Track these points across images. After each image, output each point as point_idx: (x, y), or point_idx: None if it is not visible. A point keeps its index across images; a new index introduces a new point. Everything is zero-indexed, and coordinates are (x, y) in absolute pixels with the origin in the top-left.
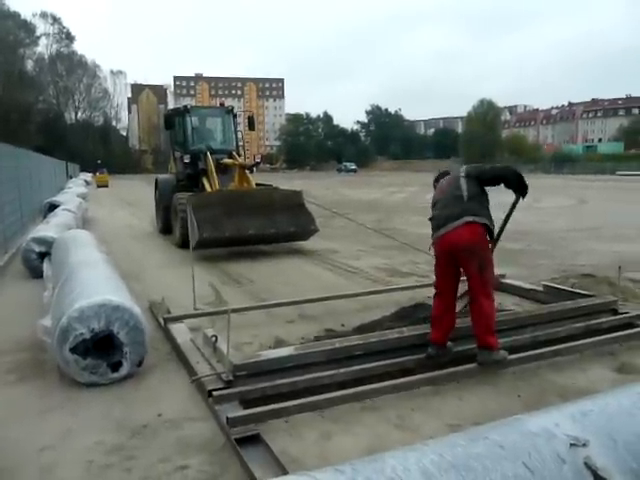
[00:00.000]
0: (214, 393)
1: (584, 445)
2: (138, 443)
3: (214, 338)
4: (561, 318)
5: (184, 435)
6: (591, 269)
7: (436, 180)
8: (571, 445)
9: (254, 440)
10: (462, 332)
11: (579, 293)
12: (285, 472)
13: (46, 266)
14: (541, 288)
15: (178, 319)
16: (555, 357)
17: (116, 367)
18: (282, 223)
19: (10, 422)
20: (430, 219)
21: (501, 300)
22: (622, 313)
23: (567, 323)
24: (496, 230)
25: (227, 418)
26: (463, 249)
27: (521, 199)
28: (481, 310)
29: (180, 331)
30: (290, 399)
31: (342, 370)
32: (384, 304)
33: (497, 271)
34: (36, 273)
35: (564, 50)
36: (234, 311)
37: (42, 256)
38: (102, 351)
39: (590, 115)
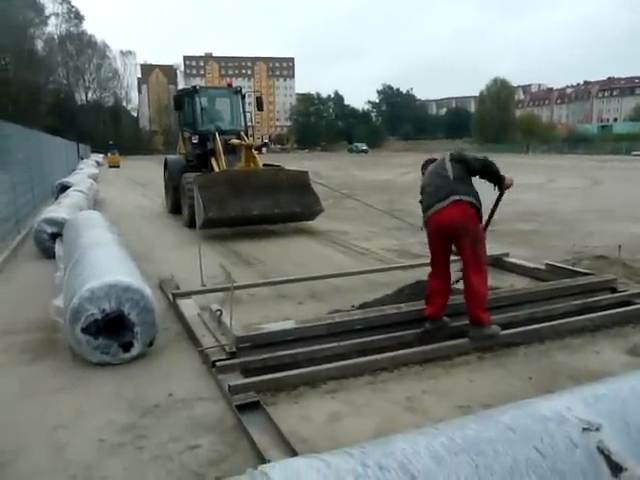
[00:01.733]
0: (217, 364)
1: (597, 429)
2: (149, 422)
3: (219, 312)
4: (559, 295)
5: (195, 415)
6: (605, 250)
7: (423, 167)
8: (584, 429)
9: (254, 407)
10: (459, 308)
11: (579, 271)
12: (281, 435)
13: (58, 247)
14: (543, 267)
15: (186, 295)
16: (552, 334)
17: (127, 347)
18: (287, 203)
19: (24, 401)
20: (420, 202)
21: (503, 278)
22: (621, 291)
23: (565, 300)
24: (485, 217)
25: (229, 386)
26: (454, 227)
27: (505, 193)
28: (473, 286)
29: (188, 306)
30: (290, 370)
31: (342, 343)
32: (393, 283)
33: (503, 250)
34: (48, 253)
35: (581, 28)
36: (237, 288)
37: (54, 237)
38: (113, 331)
39: (606, 94)
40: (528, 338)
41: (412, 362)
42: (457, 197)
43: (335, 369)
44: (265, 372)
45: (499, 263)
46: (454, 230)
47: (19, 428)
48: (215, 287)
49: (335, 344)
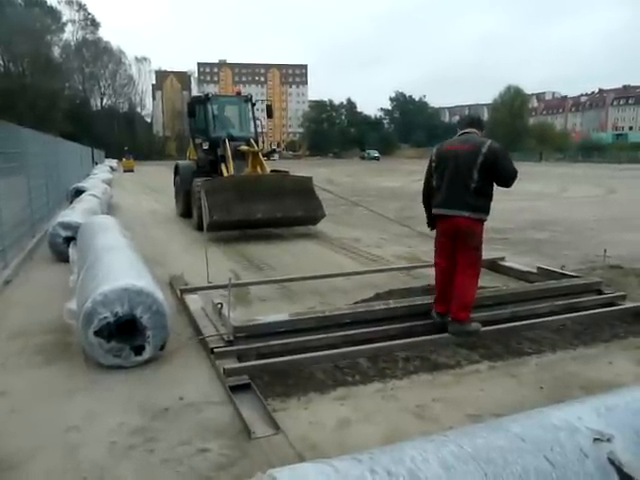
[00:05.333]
0: (215, 350)
1: (608, 440)
2: (160, 425)
3: (219, 305)
4: (545, 297)
5: (204, 418)
6: (619, 261)
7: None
8: (595, 440)
9: (246, 388)
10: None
11: (567, 274)
12: (268, 414)
13: (72, 250)
14: (535, 270)
15: (192, 291)
16: (530, 330)
17: (139, 350)
18: (290, 208)
19: (37, 403)
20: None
21: (498, 281)
22: (606, 293)
23: (550, 301)
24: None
25: (224, 369)
26: (461, 232)
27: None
28: (460, 287)
29: (193, 300)
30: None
31: (330, 334)
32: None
33: (497, 254)
34: (62, 257)
35: (599, 36)
36: (236, 285)
37: (68, 240)
38: (125, 334)
39: (621, 102)
40: (508, 335)
41: (394, 352)
42: (467, 214)
43: (322, 357)
44: (258, 358)
45: (494, 266)
46: (458, 235)
47: (32, 429)
48: (217, 284)
49: (324, 335)
